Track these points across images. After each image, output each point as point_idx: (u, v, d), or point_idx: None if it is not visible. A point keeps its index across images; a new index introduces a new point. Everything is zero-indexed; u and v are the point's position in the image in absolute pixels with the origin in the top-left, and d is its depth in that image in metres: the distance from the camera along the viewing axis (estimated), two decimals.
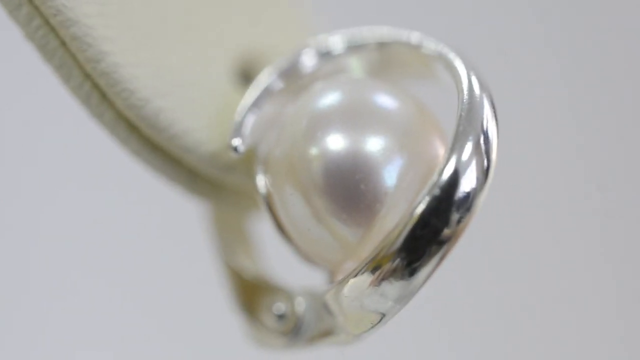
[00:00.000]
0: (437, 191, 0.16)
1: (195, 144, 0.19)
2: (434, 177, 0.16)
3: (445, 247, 0.16)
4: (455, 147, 0.16)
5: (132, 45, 0.19)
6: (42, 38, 0.18)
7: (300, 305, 0.19)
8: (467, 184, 0.16)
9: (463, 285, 0.38)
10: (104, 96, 0.19)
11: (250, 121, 0.19)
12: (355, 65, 0.20)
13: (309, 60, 0.20)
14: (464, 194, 0.16)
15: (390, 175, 0.17)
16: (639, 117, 0.40)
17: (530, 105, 0.39)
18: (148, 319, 0.37)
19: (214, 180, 0.21)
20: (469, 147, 0.16)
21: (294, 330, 0.19)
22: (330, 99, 0.18)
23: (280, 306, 0.19)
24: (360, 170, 0.17)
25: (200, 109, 0.20)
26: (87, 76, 0.19)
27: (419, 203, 0.16)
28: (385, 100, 0.18)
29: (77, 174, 0.37)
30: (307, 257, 0.18)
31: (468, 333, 0.39)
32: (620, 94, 0.40)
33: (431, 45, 0.19)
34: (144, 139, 0.19)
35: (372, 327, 0.17)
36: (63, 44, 0.18)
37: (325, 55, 0.20)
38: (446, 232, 0.16)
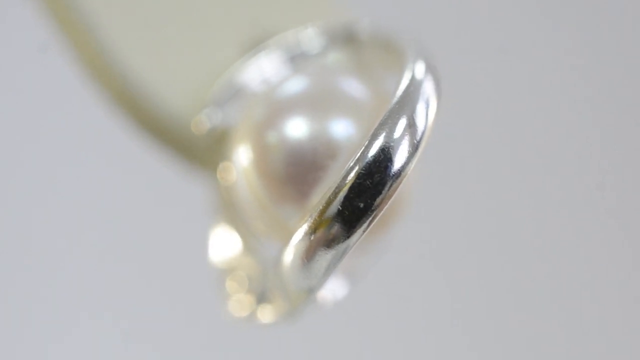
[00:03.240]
0: (362, 167, 0.16)
1: (187, 119, 0.20)
2: (357, 155, 0.16)
3: (372, 216, 0.16)
4: (386, 120, 0.16)
5: (127, 16, 0.19)
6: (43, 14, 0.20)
7: (262, 280, 0.20)
8: (398, 161, 0.16)
9: (461, 285, 0.38)
10: (99, 69, 0.20)
11: (227, 101, 0.20)
12: (330, 58, 0.20)
13: (285, 52, 0.20)
14: (393, 172, 0.16)
15: (322, 160, 0.17)
16: (639, 116, 0.39)
17: (530, 104, 0.39)
18: (148, 316, 0.37)
19: (210, 154, 0.21)
20: (402, 124, 0.16)
21: (254, 305, 0.20)
22: (287, 87, 0.18)
23: (250, 280, 0.20)
24: (291, 154, 0.17)
25: (198, 86, 0.20)
26: (83, 49, 0.19)
27: (346, 175, 0.16)
28: (345, 86, 0.18)
29: (77, 167, 0.37)
30: (265, 237, 0.19)
31: (466, 332, 0.38)
32: (620, 93, 0.39)
33: (391, 37, 0.19)
34: (140, 113, 0.20)
35: (304, 299, 0.17)
36: (60, 16, 0.19)
37: (300, 51, 0.20)
38: (368, 206, 0.16)
